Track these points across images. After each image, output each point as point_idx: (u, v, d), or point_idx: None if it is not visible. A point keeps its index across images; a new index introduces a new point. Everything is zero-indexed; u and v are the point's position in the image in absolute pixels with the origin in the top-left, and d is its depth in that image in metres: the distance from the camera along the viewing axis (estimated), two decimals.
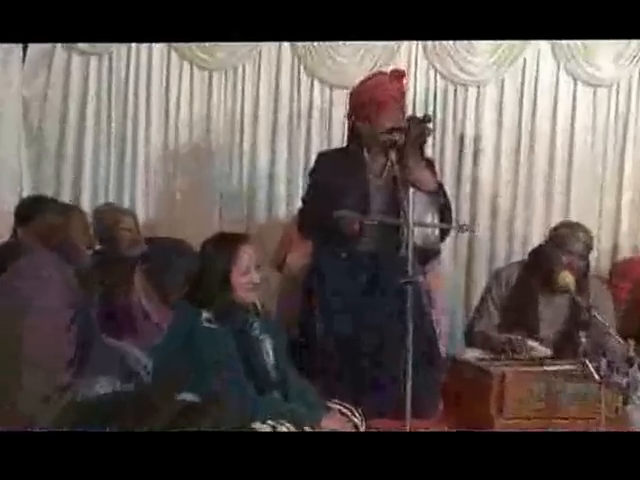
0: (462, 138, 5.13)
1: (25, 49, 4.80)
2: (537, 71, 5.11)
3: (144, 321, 4.06)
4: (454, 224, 4.01)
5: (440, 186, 3.81)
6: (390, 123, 3.72)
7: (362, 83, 3.91)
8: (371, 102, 3.76)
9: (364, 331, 3.61)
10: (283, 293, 4.19)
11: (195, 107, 5.04)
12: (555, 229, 4.30)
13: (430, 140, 4.63)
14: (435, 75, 5.09)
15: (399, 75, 3.86)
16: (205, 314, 3.00)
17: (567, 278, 3.76)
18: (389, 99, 3.75)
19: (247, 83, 5.00)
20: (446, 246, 4.71)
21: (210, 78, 5.03)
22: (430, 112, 4.61)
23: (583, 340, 3.32)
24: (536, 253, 4.23)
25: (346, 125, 4.43)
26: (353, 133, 3.90)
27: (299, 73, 4.99)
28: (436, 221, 3.74)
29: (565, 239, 4.14)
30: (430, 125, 3.72)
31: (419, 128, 3.66)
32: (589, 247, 4.15)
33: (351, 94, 3.91)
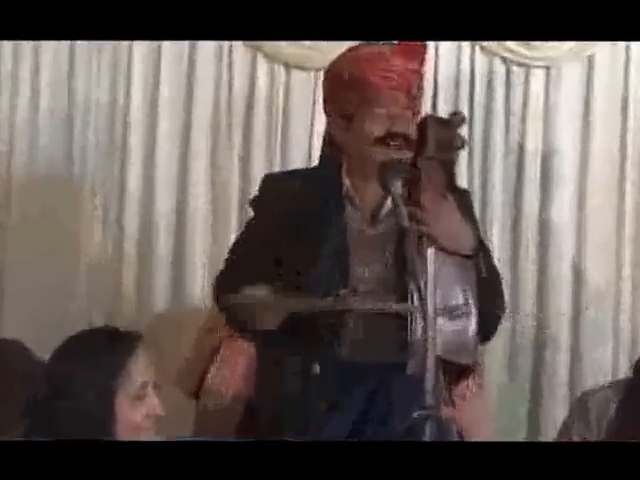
0: (521, 156, 4.29)
1: None
2: None
3: None
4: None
5: (481, 244, 3.10)
6: (382, 126, 3.09)
7: (343, 55, 3.28)
8: (351, 85, 3.16)
9: None
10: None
11: None
12: None
13: (463, 158, 4.10)
14: (472, 51, 4.27)
15: (414, 49, 3.26)
16: None
17: None
18: (384, 83, 3.13)
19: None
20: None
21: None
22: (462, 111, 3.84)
23: None
24: None
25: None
26: (326, 143, 3.34)
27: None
28: (472, 304, 3.02)
29: None
30: (463, 132, 3.10)
31: (443, 136, 3.02)
32: None
33: (325, 73, 3.30)
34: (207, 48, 4.32)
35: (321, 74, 3.43)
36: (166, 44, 4.30)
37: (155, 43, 4.34)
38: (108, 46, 4.34)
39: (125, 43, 4.32)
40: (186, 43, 4.34)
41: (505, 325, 3.64)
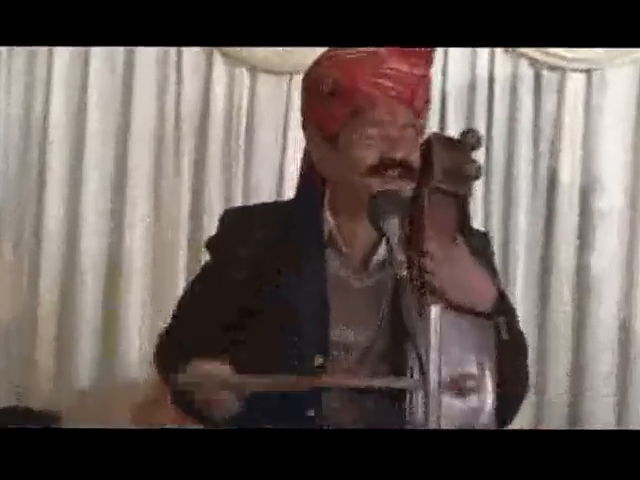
0: (553, 185, 3.82)
1: None
2: None
3: None
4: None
5: (501, 299, 2.60)
6: (376, 150, 2.62)
7: (326, 56, 2.82)
8: (336, 95, 2.72)
9: None
10: None
11: None
12: None
13: (479, 187, 3.74)
14: (492, 52, 3.86)
15: (415, 54, 2.78)
16: None
17: None
18: (379, 92, 2.68)
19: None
20: None
21: None
22: (478, 128, 3.36)
23: None
24: None
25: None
26: (305, 168, 2.90)
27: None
28: (489, 378, 2.54)
29: None
30: (479, 156, 2.81)
31: (453, 162, 2.61)
32: None
33: (304, 79, 2.85)
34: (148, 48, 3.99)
35: (295, 78, 3.40)
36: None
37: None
38: (22, 50, 4.01)
39: (44, 48, 3.99)
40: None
41: (531, 399, 3.40)
